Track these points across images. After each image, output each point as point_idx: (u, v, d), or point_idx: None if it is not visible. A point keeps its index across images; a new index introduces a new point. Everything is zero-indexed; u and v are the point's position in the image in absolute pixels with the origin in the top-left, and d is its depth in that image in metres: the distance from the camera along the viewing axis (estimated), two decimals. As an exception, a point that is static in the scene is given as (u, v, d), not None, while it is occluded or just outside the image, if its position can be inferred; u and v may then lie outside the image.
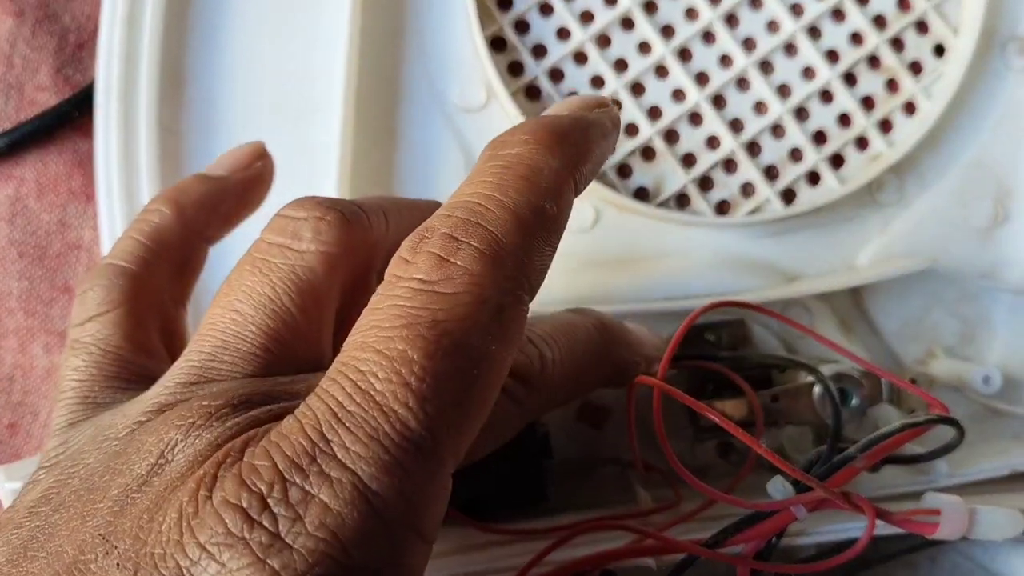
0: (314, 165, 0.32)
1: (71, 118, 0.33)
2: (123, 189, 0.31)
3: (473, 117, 0.32)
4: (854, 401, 0.26)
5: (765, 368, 0.28)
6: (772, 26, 0.33)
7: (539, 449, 0.27)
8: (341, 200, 0.21)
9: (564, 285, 0.31)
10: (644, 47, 0.32)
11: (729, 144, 0.32)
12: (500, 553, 0.25)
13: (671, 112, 0.32)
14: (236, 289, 0.20)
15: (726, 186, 0.32)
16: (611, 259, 0.32)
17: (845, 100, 0.32)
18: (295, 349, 0.20)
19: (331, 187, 0.31)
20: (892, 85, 0.33)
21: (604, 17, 0.32)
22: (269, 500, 0.15)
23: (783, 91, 0.32)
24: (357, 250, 0.21)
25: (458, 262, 0.16)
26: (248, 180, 0.25)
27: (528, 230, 0.17)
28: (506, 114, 0.32)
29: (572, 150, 0.19)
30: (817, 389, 0.26)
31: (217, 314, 0.20)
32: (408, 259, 0.17)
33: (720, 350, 0.29)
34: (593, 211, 0.32)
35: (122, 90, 0.31)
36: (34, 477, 0.18)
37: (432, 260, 0.17)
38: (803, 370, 0.26)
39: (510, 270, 0.17)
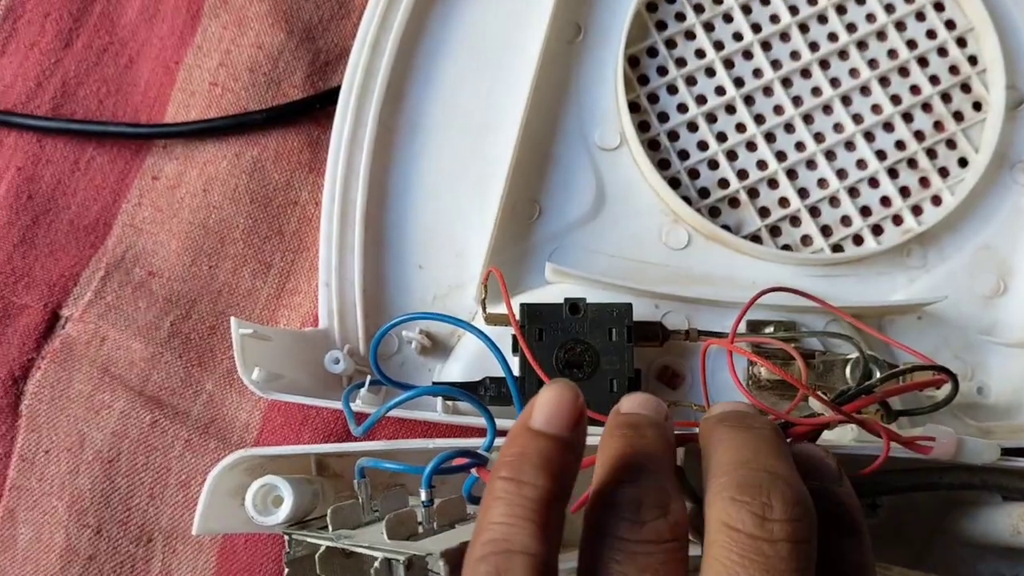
0: (484, 172, 0.42)
1: (312, 109, 0.44)
2: (347, 159, 0.41)
3: (607, 155, 0.43)
4: (876, 375, 0.35)
5: (806, 350, 0.37)
6: (838, 127, 0.44)
7: (633, 380, 0.36)
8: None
9: (657, 282, 0.41)
10: (740, 127, 0.43)
11: (796, 205, 0.42)
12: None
13: (755, 175, 0.43)
14: None
15: (790, 235, 0.42)
16: (695, 275, 0.42)
17: (888, 187, 0.43)
18: None
19: (493, 189, 0.41)
20: (924, 181, 0.43)
21: (714, 102, 0.44)
22: None
23: (841, 174, 0.43)
24: None
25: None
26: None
27: None
28: (632, 157, 0.43)
29: None
30: (851, 359, 0.35)
31: None
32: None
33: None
34: (687, 235, 0.42)
35: (359, 91, 0.42)
36: None
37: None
38: (844, 340, 0.35)
39: None
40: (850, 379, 0.35)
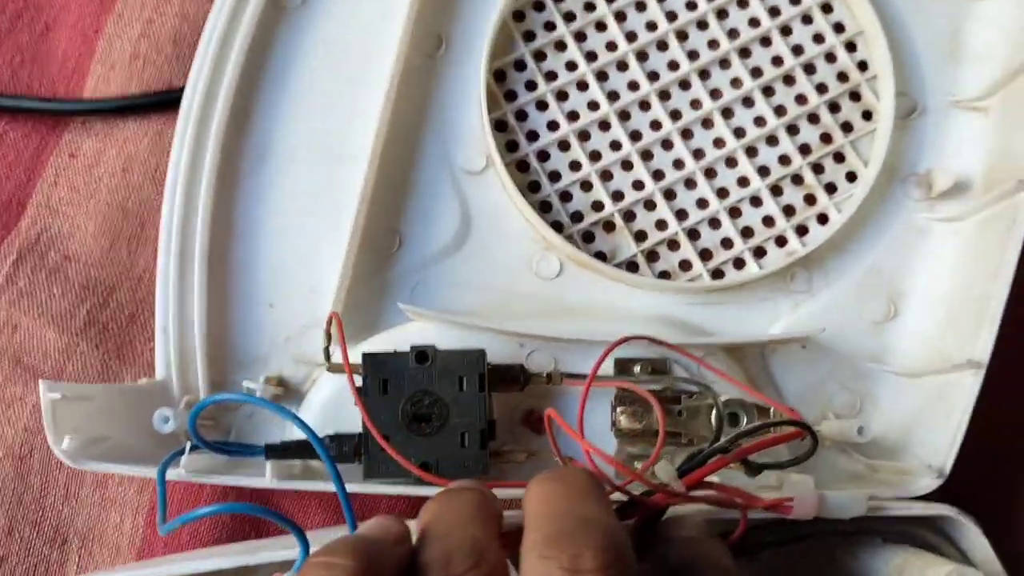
0: (340, 199, 0.39)
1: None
2: (185, 189, 0.38)
3: (472, 179, 0.40)
4: (744, 422, 0.32)
5: (674, 393, 0.34)
6: (718, 143, 0.41)
7: (486, 432, 0.34)
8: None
9: (526, 316, 0.38)
10: (615, 144, 0.40)
11: (674, 228, 0.40)
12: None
13: (631, 197, 0.40)
14: None
15: (668, 261, 0.40)
16: (568, 306, 0.39)
17: (771, 206, 0.40)
18: None
19: (350, 218, 0.38)
20: (810, 199, 0.40)
21: (587, 118, 0.40)
22: None
23: (722, 193, 0.40)
24: None
25: None
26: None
27: None
28: (500, 180, 0.40)
29: None
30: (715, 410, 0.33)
31: None
32: None
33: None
34: (558, 264, 0.39)
35: (199, 114, 0.38)
36: None
37: None
38: (700, 387, 0.33)
39: None
40: (715, 428, 0.33)
